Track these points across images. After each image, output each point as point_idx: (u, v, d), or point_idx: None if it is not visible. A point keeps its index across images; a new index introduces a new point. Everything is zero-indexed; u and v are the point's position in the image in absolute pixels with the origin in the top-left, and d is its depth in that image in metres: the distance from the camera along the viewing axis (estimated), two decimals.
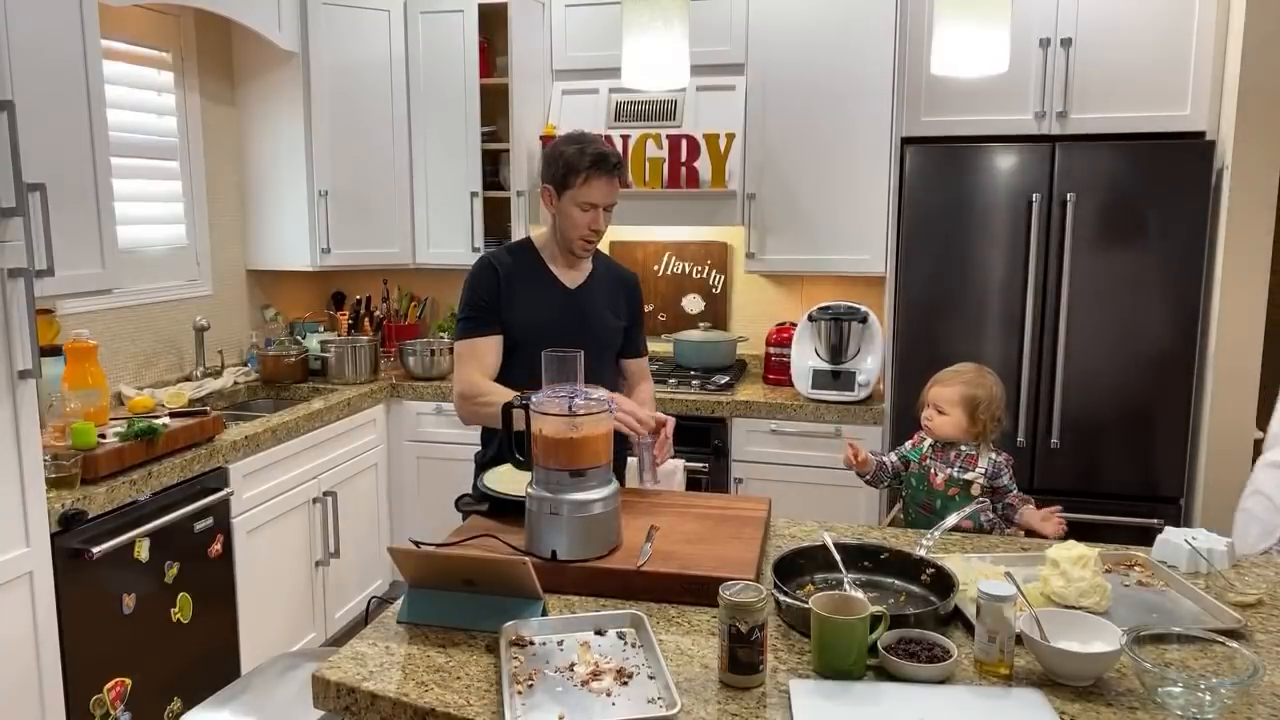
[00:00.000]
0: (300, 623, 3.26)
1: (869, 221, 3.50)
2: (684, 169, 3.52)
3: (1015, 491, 2.30)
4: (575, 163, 2.25)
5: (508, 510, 1.99)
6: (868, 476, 2.43)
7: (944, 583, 1.67)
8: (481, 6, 3.72)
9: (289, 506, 3.15)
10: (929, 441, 2.38)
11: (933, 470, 2.34)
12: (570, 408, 1.76)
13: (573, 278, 2.40)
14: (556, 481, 1.77)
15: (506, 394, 2.11)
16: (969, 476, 2.27)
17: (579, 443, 1.76)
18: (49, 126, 2.35)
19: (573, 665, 1.46)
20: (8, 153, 2.00)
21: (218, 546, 2.80)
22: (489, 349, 2.31)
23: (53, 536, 2.20)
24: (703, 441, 3.44)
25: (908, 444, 2.45)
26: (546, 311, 2.34)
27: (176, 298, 3.52)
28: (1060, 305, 3.12)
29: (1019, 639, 1.47)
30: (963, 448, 2.31)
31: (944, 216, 3.20)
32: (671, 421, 2.24)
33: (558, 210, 2.31)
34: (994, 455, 2.30)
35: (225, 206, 3.76)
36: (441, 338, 3.98)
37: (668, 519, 1.96)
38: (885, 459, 2.43)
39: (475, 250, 3.81)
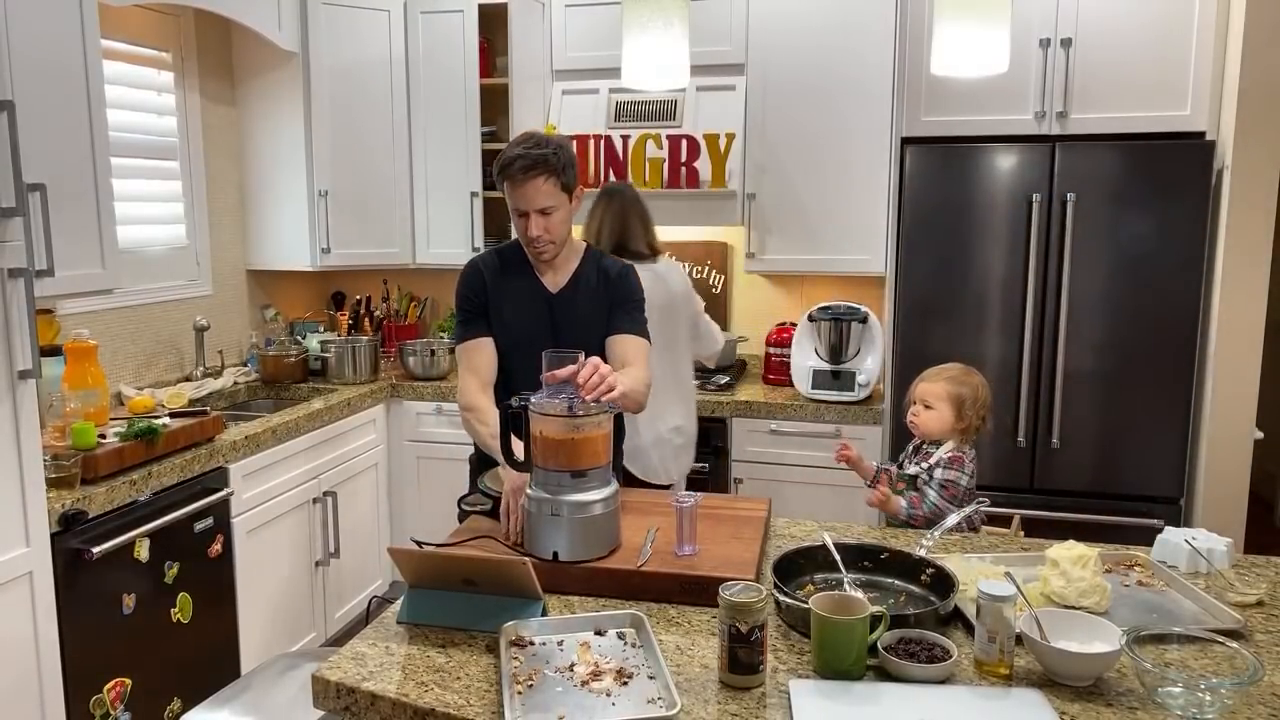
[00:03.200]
0: (300, 623, 3.26)
1: (869, 221, 3.50)
2: (684, 169, 3.51)
3: (936, 482, 2.22)
4: (499, 169, 2.19)
5: None
6: (869, 483, 2.45)
7: (944, 583, 1.67)
8: (481, 6, 3.72)
9: (289, 506, 3.15)
10: (914, 442, 2.39)
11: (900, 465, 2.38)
12: (570, 408, 1.76)
13: (555, 280, 2.34)
14: (557, 483, 1.77)
15: (492, 430, 2.07)
16: (914, 470, 2.29)
17: (579, 443, 1.76)
18: (49, 126, 2.35)
19: (573, 665, 1.46)
20: (8, 153, 2.00)
21: (218, 546, 2.80)
22: (481, 352, 2.31)
23: (53, 536, 2.20)
24: (703, 441, 3.43)
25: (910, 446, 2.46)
26: (525, 316, 2.31)
27: (176, 298, 3.52)
28: (1060, 305, 3.12)
29: (1019, 639, 1.47)
30: (932, 445, 2.31)
31: (944, 216, 3.20)
32: (592, 363, 1.86)
33: None
34: (947, 451, 2.27)
35: (225, 206, 3.76)
36: (441, 338, 3.98)
37: (668, 519, 1.95)
38: (890, 468, 2.44)
39: (475, 250, 3.81)
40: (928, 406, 2.32)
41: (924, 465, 2.29)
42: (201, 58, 3.58)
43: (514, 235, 3.78)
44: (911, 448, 2.39)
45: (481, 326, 2.32)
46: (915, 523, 2.21)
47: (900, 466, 2.40)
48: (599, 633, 1.57)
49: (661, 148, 3.53)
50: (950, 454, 2.27)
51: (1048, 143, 3.10)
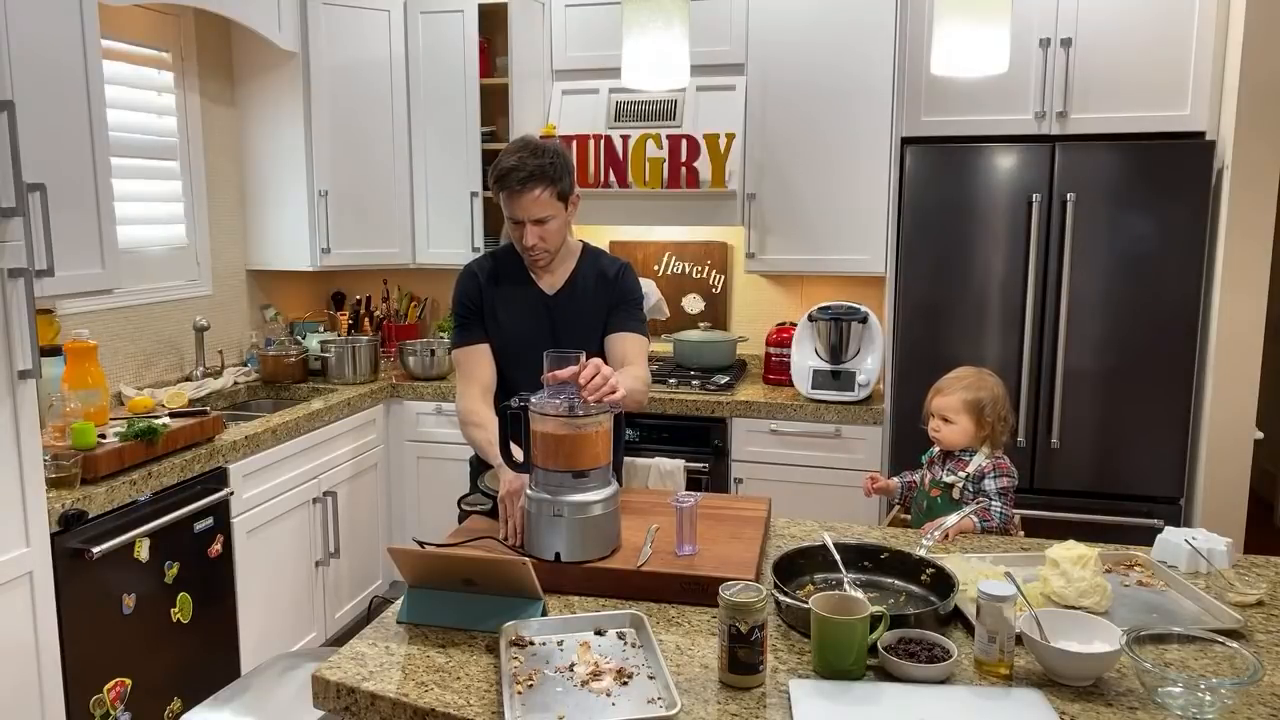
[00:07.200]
0: (300, 623, 3.26)
1: (869, 221, 3.50)
2: (684, 169, 3.51)
3: (990, 504, 2.21)
4: (496, 178, 2.17)
5: None
6: (896, 500, 2.44)
7: (944, 583, 1.67)
8: (481, 6, 3.72)
9: (289, 506, 3.15)
10: (939, 450, 2.37)
11: (926, 474, 2.35)
12: (570, 408, 1.76)
13: (551, 282, 2.34)
14: (557, 483, 1.77)
15: (490, 437, 2.03)
16: (950, 479, 2.27)
17: (580, 444, 1.76)
18: (49, 126, 2.35)
19: (573, 665, 1.46)
20: (8, 153, 2.00)
21: (218, 546, 2.80)
22: (480, 359, 2.31)
23: (53, 536, 2.20)
24: (703, 441, 3.44)
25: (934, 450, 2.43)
26: (521, 319, 2.31)
27: (176, 298, 3.52)
28: (1060, 305, 3.12)
29: (1019, 639, 1.47)
30: (962, 453, 2.29)
31: (944, 216, 3.20)
32: (594, 364, 1.82)
33: None
34: (984, 460, 2.26)
35: (225, 206, 3.76)
36: (441, 338, 3.98)
37: (668, 519, 1.95)
38: (913, 478, 2.42)
39: (475, 250, 3.82)
40: (947, 420, 2.29)
41: (961, 474, 2.26)
42: (201, 58, 3.58)
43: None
44: (939, 454, 2.36)
45: (478, 332, 2.32)
46: (993, 533, 2.21)
47: (928, 471, 2.37)
48: (599, 633, 1.57)
49: (661, 148, 3.53)
50: (993, 462, 2.25)
51: (1048, 143, 3.10)
